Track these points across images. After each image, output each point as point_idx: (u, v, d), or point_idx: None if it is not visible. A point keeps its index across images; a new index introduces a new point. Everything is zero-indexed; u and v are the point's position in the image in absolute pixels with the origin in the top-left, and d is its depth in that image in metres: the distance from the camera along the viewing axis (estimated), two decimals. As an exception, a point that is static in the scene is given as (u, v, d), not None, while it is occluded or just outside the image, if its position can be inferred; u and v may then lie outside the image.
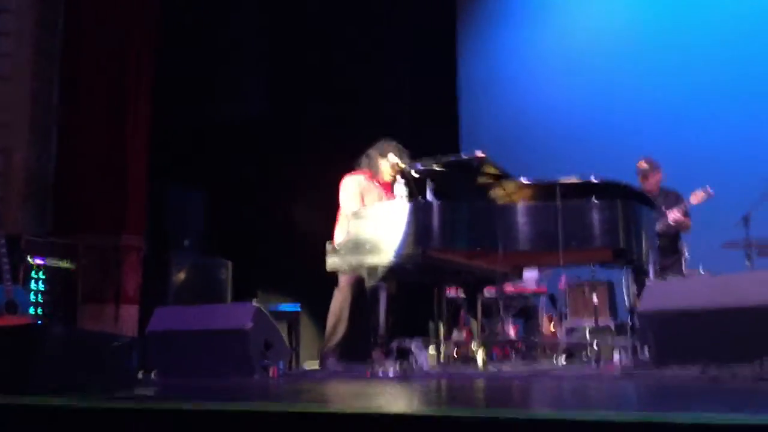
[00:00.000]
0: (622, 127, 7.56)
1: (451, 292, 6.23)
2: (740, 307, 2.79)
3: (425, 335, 5.30)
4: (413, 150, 5.09)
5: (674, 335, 3.01)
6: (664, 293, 3.15)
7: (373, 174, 4.97)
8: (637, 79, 7.64)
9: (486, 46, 8.83)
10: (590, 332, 5.95)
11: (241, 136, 6.79)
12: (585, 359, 5.32)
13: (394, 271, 4.25)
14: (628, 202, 4.38)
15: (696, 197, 5.61)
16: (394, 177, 4.66)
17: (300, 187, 6.93)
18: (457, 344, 6.28)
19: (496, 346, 5.98)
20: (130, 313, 5.32)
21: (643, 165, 5.85)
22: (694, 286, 3.21)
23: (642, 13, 7.92)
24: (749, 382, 2.46)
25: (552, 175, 4.51)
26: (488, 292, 6.26)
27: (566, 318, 7.11)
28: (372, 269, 4.25)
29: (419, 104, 7.94)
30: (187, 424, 1.91)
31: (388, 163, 4.88)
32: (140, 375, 4.67)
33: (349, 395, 2.53)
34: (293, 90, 7.22)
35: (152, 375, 3.97)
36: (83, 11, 5.69)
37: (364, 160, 5.01)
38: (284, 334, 5.67)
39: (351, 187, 4.89)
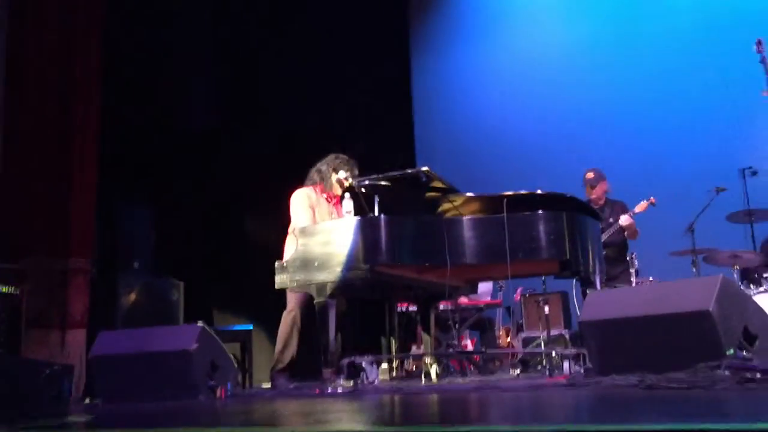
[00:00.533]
0: (571, 139, 7.71)
1: (408, 307, 6.25)
2: (674, 314, 2.84)
3: (379, 352, 5.29)
4: (367, 165, 5.10)
5: (614, 344, 3.05)
6: (605, 303, 3.20)
7: (324, 188, 4.96)
8: (585, 92, 7.81)
9: (439, 60, 8.93)
10: (544, 343, 6.02)
11: (191, 153, 6.73)
12: (539, 369, 5.37)
13: (342, 287, 4.24)
14: (573, 213, 4.43)
15: (640, 207, 5.79)
16: (342, 189, 4.68)
17: (252, 204, 6.89)
18: (414, 359, 6.30)
19: (453, 360, 5.98)
20: (77, 337, 5.19)
21: (590, 175, 5.97)
22: (632, 295, 3.26)
23: (590, 28, 8.10)
24: (684, 389, 2.49)
25: (505, 187, 4.56)
26: (444, 305, 6.29)
27: (522, 329, 7.19)
28: (320, 286, 4.23)
29: (373, 118, 7.96)
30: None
31: (337, 179, 4.89)
32: (86, 401, 4.61)
33: (293, 414, 2.50)
34: (243, 106, 7.19)
35: (97, 401, 3.89)
36: (27, 30, 5.58)
37: (315, 175, 5.00)
38: (237, 354, 5.63)
39: (301, 201, 4.87)
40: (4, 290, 4.93)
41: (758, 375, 2.52)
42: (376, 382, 4.29)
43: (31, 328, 5.05)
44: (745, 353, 2.78)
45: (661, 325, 2.88)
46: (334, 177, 4.92)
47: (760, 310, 3.02)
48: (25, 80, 5.52)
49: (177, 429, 2.03)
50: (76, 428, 2.23)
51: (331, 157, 5.01)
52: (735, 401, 2.03)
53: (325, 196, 4.97)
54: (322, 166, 4.99)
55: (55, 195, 5.35)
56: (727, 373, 2.58)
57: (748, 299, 3.06)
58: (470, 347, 6.81)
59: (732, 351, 2.75)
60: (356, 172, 4.89)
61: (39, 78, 5.52)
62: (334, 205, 5.00)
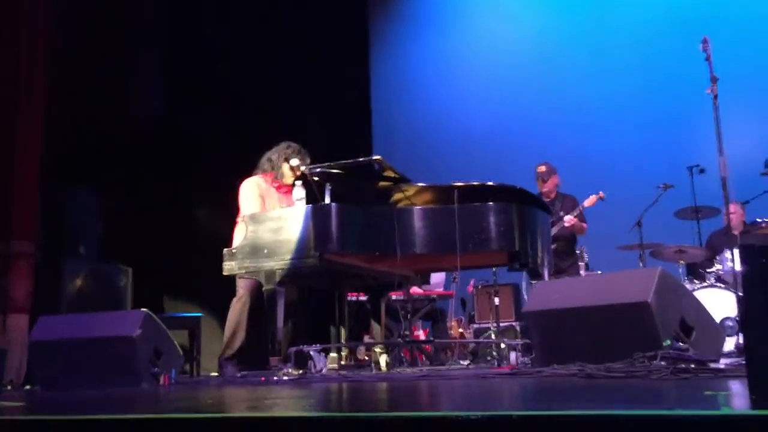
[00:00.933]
0: (524, 134, 7.83)
1: (359, 297, 6.25)
2: (614, 305, 2.89)
3: (329, 341, 5.27)
4: (324, 155, 5.06)
5: (556, 334, 3.10)
6: (548, 294, 3.24)
7: (275, 177, 4.92)
8: (538, 88, 7.92)
9: (398, 53, 8.94)
10: (495, 334, 6.08)
11: (140, 137, 6.60)
12: (489, 360, 5.43)
13: (292, 275, 4.22)
14: (523, 206, 4.48)
15: (589, 201, 5.89)
16: (294, 177, 4.66)
17: (201, 190, 6.79)
18: (367, 348, 6.30)
19: (405, 350, 6.00)
20: (19, 322, 5.06)
21: (541, 169, 6.04)
22: (575, 286, 3.30)
23: (542, 25, 8.22)
24: (621, 377, 2.54)
25: (460, 179, 4.58)
26: (397, 296, 6.30)
27: (474, 321, 7.25)
28: (269, 274, 4.21)
29: (330, 108, 7.92)
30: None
31: (290, 166, 4.85)
32: (26, 388, 4.51)
33: (234, 401, 2.47)
34: (192, 90, 7.07)
35: (35, 388, 3.80)
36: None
37: (266, 164, 4.95)
38: (186, 342, 5.56)
39: (250, 190, 4.82)
40: (-58, 273, 4.80)
41: (692, 365, 2.58)
42: (323, 370, 4.28)
43: (-29, 313, 4.93)
44: (681, 344, 2.85)
45: (602, 315, 2.93)
46: (285, 166, 4.88)
47: (698, 302, 3.09)
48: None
49: (110, 416, 1.99)
50: (5, 414, 2.17)
51: (283, 145, 4.97)
52: (668, 390, 2.07)
53: (275, 185, 4.92)
54: (273, 154, 4.95)
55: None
56: (663, 363, 2.63)
57: (686, 292, 3.13)
58: (422, 338, 6.84)
59: (669, 342, 2.80)
60: (308, 161, 4.86)
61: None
62: (284, 194, 4.96)
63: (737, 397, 1.64)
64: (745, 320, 1.33)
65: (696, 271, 6.03)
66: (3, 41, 5.40)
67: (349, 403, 2.14)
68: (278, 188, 4.94)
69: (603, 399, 1.85)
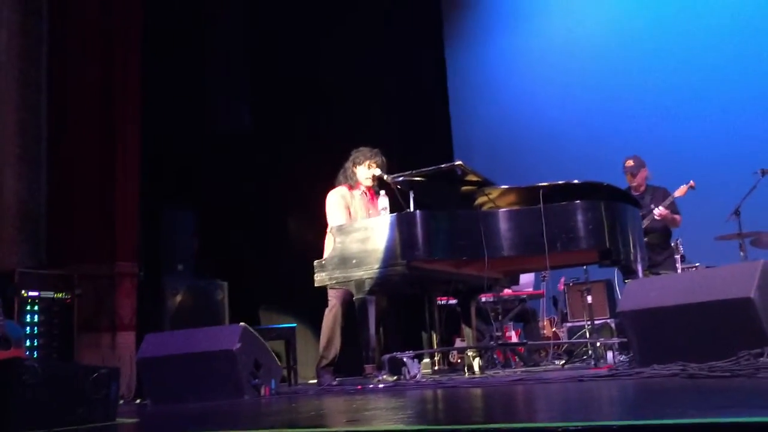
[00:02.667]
0: (611, 127, 7.62)
1: (449, 300, 6.25)
2: (714, 302, 2.80)
3: (421, 347, 5.31)
4: (404, 160, 5.11)
5: (654, 333, 3.02)
6: (643, 292, 3.15)
7: (352, 186, 4.99)
8: (623, 79, 7.70)
9: (474, 52, 8.89)
10: (589, 332, 5.96)
11: (230, 155, 6.82)
12: (585, 359, 5.33)
13: (381, 284, 4.27)
14: (611, 202, 4.38)
15: (680, 191, 5.71)
16: (374, 183, 4.73)
17: (290, 203, 6.96)
18: (459, 352, 6.29)
19: (498, 351, 5.96)
20: (126, 340, 5.34)
21: (630, 163, 5.89)
22: (671, 284, 3.20)
23: (624, 14, 7.98)
24: (725, 377, 2.46)
25: (544, 178, 4.54)
26: (486, 297, 6.27)
27: (567, 319, 7.13)
28: (359, 283, 4.28)
29: (409, 114, 7.97)
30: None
31: (365, 169, 4.92)
32: (137, 402, 4.75)
33: (334, 413, 2.53)
34: (277, 103, 7.24)
35: (146, 402, 4.01)
36: (68, 42, 5.74)
37: (341, 177, 5.04)
38: (282, 352, 5.71)
39: (336, 201, 4.92)
40: (56, 296, 5.11)
41: (803, 362, 2.46)
42: (417, 376, 4.31)
43: (83, 333, 5.22)
44: (789, 340, 2.72)
45: (702, 313, 2.83)
46: (358, 170, 4.95)
47: (806, 294, 2.94)
48: (68, 89, 5.67)
49: (220, 431, 2.08)
50: (124, 430, 2.31)
51: (353, 152, 5.05)
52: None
53: (359, 192, 5.00)
54: (347, 163, 5.03)
55: (101, 202, 5.49)
56: (770, 360, 2.53)
57: (792, 284, 2.98)
58: (514, 338, 6.78)
59: (776, 338, 2.69)
60: (381, 159, 4.91)
61: (81, 85, 5.66)
62: (369, 200, 5.02)
63: None
64: None
65: (802, 259, 5.74)
66: (99, 63, 5.69)
67: (446, 413, 2.16)
68: (363, 194, 5.01)
69: (709, 402, 1.80)
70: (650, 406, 1.87)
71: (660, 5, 7.73)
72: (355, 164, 4.95)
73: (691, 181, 5.68)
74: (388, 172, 4.73)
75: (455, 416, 2.02)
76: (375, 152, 4.96)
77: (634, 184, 5.87)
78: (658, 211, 5.63)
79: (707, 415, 1.40)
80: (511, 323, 7.11)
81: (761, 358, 2.56)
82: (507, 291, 6.51)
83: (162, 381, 3.90)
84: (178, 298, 5.81)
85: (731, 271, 2.91)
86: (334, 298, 4.82)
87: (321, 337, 4.85)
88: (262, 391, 3.83)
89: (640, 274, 4.51)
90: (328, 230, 4.87)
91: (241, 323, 3.91)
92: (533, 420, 1.57)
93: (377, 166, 4.86)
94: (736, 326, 2.74)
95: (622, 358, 4.68)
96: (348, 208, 4.91)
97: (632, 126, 7.48)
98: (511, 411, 2.02)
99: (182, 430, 2.08)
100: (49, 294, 5.05)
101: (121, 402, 4.85)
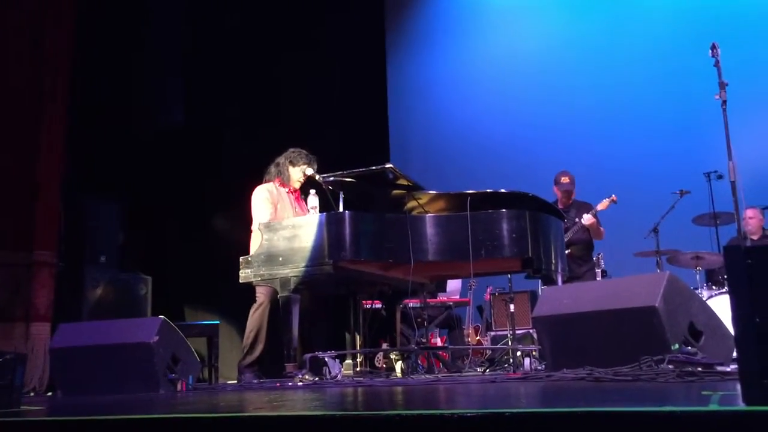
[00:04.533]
0: (539, 140, 7.85)
1: (376, 304, 6.29)
2: (622, 310, 2.91)
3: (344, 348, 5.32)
4: (340, 163, 5.12)
5: (565, 339, 3.11)
6: (557, 298, 3.26)
7: (283, 182, 4.99)
8: (554, 94, 7.94)
9: (415, 59, 9.00)
10: (511, 341, 6.09)
11: (159, 147, 6.71)
12: (506, 367, 5.44)
13: (306, 282, 4.27)
14: (536, 212, 4.50)
15: (602, 204, 5.92)
16: (303, 185, 4.73)
17: (220, 199, 6.88)
18: (384, 356, 6.33)
19: (422, 357, 6.02)
20: (41, 331, 5.16)
21: (564, 179, 6.05)
22: (583, 291, 3.32)
23: (561, 32, 8.23)
24: (628, 381, 2.55)
25: (476, 186, 4.63)
26: (414, 303, 6.33)
27: (492, 328, 7.27)
28: (284, 281, 4.27)
29: (347, 115, 7.99)
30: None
31: (299, 171, 4.93)
32: (49, 394, 4.61)
33: (248, 402, 2.52)
34: (210, 100, 7.17)
35: (56, 393, 3.89)
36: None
37: (273, 170, 5.04)
38: (203, 350, 5.63)
39: (262, 197, 4.90)
40: (-33, 283, 4.92)
41: (699, 369, 2.59)
42: (338, 376, 4.32)
43: (-5, 321, 5.04)
44: (690, 348, 2.85)
45: (611, 320, 2.94)
46: (291, 170, 4.97)
47: (707, 307, 3.10)
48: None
49: (128, 416, 2.05)
50: (26, 416, 2.25)
51: (289, 150, 5.06)
52: (671, 391, 2.09)
53: (286, 189, 5.00)
54: (280, 159, 5.04)
55: (19, 188, 5.31)
56: (670, 366, 2.64)
57: (695, 297, 3.14)
58: (440, 345, 6.86)
59: (677, 346, 2.82)
60: (315, 165, 4.94)
61: (5, 63, 5.47)
62: (295, 199, 5.03)
63: (734, 397, 1.66)
64: (735, 320, 1.36)
65: (715, 278, 6.01)
66: (25, 51, 5.52)
67: (357, 404, 2.18)
68: (289, 193, 5.02)
69: (607, 400, 1.87)
70: (551, 402, 1.94)
71: (591, 31, 8.03)
72: (291, 163, 4.96)
73: (613, 195, 5.90)
74: (319, 172, 4.75)
75: (371, 405, 2.04)
76: (313, 158, 4.99)
77: (562, 197, 6.03)
78: (587, 217, 5.81)
79: (600, 406, 1.46)
80: (437, 329, 7.20)
81: (662, 364, 2.67)
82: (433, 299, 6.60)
83: (74, 372, 3.80)
84: (99, 290, 5.66)
85: (639, 281, 3.03)
86: (262, 296, 4.79)
87: (246, 333, 4.81)
88: (179, 386, 3.77)
89: (560, 284, 4.64)
90: (254, 227, 4.86)
91: (161, 316, 3.84)
92: (432, 409, 1.61)
93: (309, 173, 4.89)
94: (641, 333, 2.86)
95: (540, 366, 4.81)
96: (275, 205, 4.90)
97: (560, 141, 7.73)
98: (418, 403, 2.05)
99: (84, 415, 2.04)
100: (-40, 280, 4.86)
101: (32, 394, 4.70)
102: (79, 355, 3.79)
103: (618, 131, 7.56)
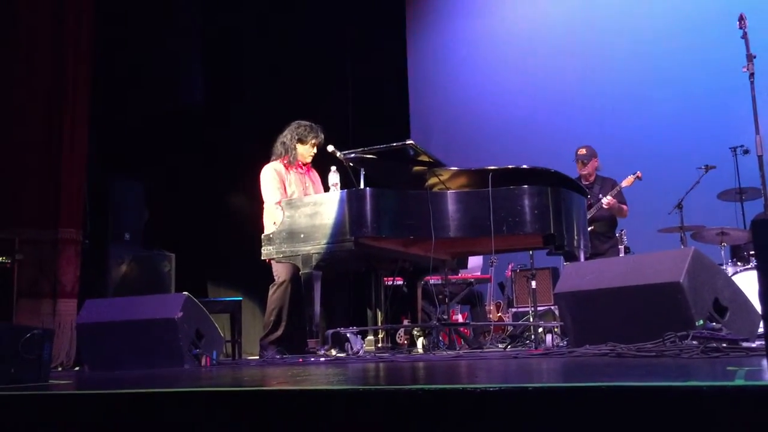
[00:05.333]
0: (563, 116, 7.74)
1: (398, 281, 6.31)
2: (646, 286, 2.88)
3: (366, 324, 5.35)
4: (360, 139, 5.10)
5: (588, 315, 3.10)
6: (580, 274, 3.24)
7: (291, 160, 4.97)
8: (579, 71, 7.82)
9: (435, 35, 8.91)
10: (533, 317, 6.08)
11: (182, 126, 6.74)
12: (527, 343, 5.44)
13: (327, 259, 4.29)
14: (558, 188, 4.46)
15: (627, 181, 5.86)
16: (325, 161, 4.74)
17: (243, 177, 6.90)
18: (406, 332, 6.36)
19: (443, 333, 6.04)
20: (68, 307, 5.25)
21: (582, 151, 6.00)
22: (606, 267, 3.29)
23: (584, 6, 8.08)
24: (652, 357, 2.54)
25: (497, 162, 4.59)
26: (435, 280, 6.34)
27: (513, 304, 7.26)
28: (306, 258, 4.29)
29: (367, 92, 7.95)
30: (94, 409, 1.92)
31: (309, 147, 4.92)
32: (76, 369, 4.70)
33: (272, 377, 2.54)
34: (234, 80, 7.18)
35: (83, 368, 3.96)
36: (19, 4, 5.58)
37: (279, 148, 5.01)
38: (226, 326, 5.69)
39: (270, 176, 4.91)
40: (-5, 260, 4.99)
41: (724, 345, 2.56)
42: (360, 352, 4.36)
43: (23, 298, 5.11)
44: (714, 324, 2.83)
45: (634, 296, 2.92)
46: (300, 147, 4.95)
47: (733, 283, 3.06)
48: (16, 49, 5.51)
49: (154, 390, 2.08)
50: (54, 390, 2.29)
51: (293, 125, 5.02)
52: (695, 367, 2.07)
53: (295, 167, 4.99)
54: (285, 137, 5.01)
55: (46, 166, 5.37)
56: (694, 342, 2.62)
57: (721, 273, 3.10)
58: (461, 321, 6.88)
59: (702, 322, 2.79)
60: (322, 136, 4.91)
61: (30, 44, 5.51)
62: (303, 174, 5.02)
63: (759, 372, 1.64)
64: (762, 295, 1.34)
65: (740, 254, 5.94)
66: (48, 29, 5.55)
67: (379, 378, 2.19)
68: (299, 168, 5.00)
69: (630, 375, 1.86)
70: (573, 377, 1.93)
71: (616, 2, 7.87)
72: (300, 141, 4.94)
73: (638, 172, 5.83)
74: (339, 149, 4.74)
75: (394, 380, 2.05)
76: (318, 128, 4.95)
77: (585, 173, 5.98)
78: (606, 200, 5.76)
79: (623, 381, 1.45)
80: (458, 306, 7.22)
81: (686, 340, 2.65)
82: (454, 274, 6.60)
83: (101, 347, 3.86)
84: (124, 267, 5.73)
85: (664, 257, 3.00)
86: (282, 274, 4.81)
87: (269, 310, 4.85)
88: (203, 361, 3.82)
89: (582, 260, 4.61)
90: (265, 206, 4.88)
91: (185, 292, 3.88)
92: (474, 383, 1.61)
93: (318, 144, 4.87)
94: (665, 310, 2.84)
95: (562, 342, 4.81)
96: (283, 183, 4.90)
97: (585, 116, 7.63)
98: (450, 376, 2.06)
99: (115, 389, 2.07)
100: (-11, 257, 4.93)
101: (60, 369, 4.80)
102: (105, 330, 3.85)
103: (643, 106, 7.43)
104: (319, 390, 1.66)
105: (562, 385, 1.39)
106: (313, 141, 4.90)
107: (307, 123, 4.96)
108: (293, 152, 4.93)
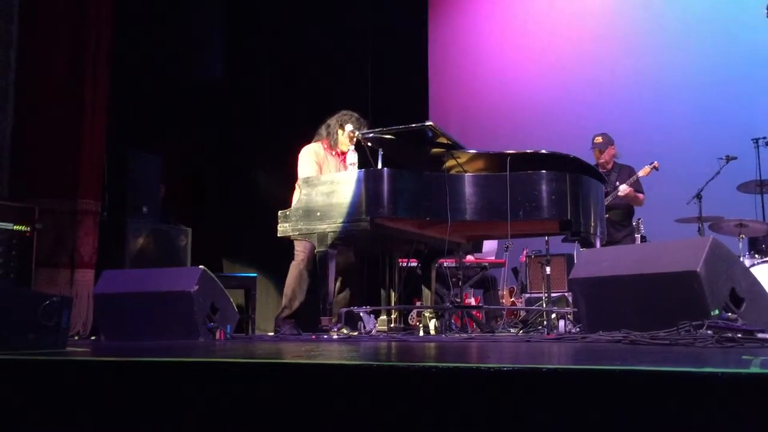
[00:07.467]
0: (583, 103, 7.68)
1: (412, 263, 6.32)
2: (662, 274, 2.87)
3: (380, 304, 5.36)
4: (379, 119, 5.10)
5: (603, 302, 3.09)
6: (595, 261, 3.23)
7: (332, 144, 5.00)
8: (599, 57, 7.75)
9: (456, 17, 8.84)
10: (546, 303, 6.08)
11: (202, 102, 6.76)
12: (539, 329, 5.45)
13: (343, 238, 4.30)
14: (576, 174, 4.44)
15: (643, 171, 5.83)
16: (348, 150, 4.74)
17: (261, 153, 6.93)
18: (418, 313, 6.38)
19: (455, 316, 6.06)
20: (85, 277, 5.31)
21: (599, 139, 5.97)
22: (622, 254, 3.28)
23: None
24: (666, 345, 2.54)
25: (515, 146, 4.57)
26: (449, 263, 6.34)
27: (526, 290, 7.25)
28: (322, 236, 4.30)
29: (387, 72, 7.93)
30: (111, 376, 1.95)
31: (346, 133, 4.92)
32: (92, 338, 4.76)
33: (282, 352, 2.57)
34: (254, 57, 7.18)
35: (99, 337, 4.02)
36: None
37: (323, 130, 5.05)
38: (241, 302, 5.74)
39: (308, 156, 4.93)
40: (15, 228, 5.05)
41: (739, 335, 2.55)
42: (373, 331, 4.38)
43: (41, 267, 5.17)
44: (730, 315, 2.81)
45: (650, 284, 2.91)
46: (341, 133, 4.96)
47: (750, 274, 3.04)
48: (38, 23, 5.54)
49: (169, 359, 2.10)
50: (71, 356, 2.32)
51: (341, 113, 5.04)
52: (709, 355, 2.07)
53: (333, 152, 5.01)
54: (331, 121, 5.04)
55: (67, 138, 5.41)
56: (709, 332, 2.61)
57: (738, 263, 3.08)
58: (474, 305, 6.88)
59: (717, 312, 2.78)
60: (364, 129, 4.92)
61: (52, 18, 5.54)
62: (342, 161, 5.03)
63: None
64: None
65: (758, 246, 5.89)
66: (69, 3, 5.57)
67: (391, 355, 2.21)
68: (336, 155, 5.02)
69: (643, 361, 1.86)
70: (583, 360, 1.93)
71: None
72: (342, 127, 4.95)
73: (655, 162, 5.80)
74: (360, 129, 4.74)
75: (405, 358, 2.06)
76: (363, 122, 4.97)
77: (602, 160, 5.95)
78: (623, 188, 5.74)
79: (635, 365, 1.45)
80: (472, 290, 7.22)
81: (700, 330, 2.64)
82: (469, 258, 6.59)
83: (117, 318, 3.91)
84: (141, 240, 5.78)
85: (681, 246, 2.99)
86: (302, 252, 4.84)
87: (286, 287, 4.88)
88: (218, 335, 3.86)
89: (598, 247, 4.59)
90: (297, 183, 4.89)
91: (201, 266, 3.92)
92: (486, 362, 1.62)
93: (352, 137, 4.87)
94: (681, 298, 2.82)
95: (575, 328, 4.80)
96: (319, 164, 4.92)
97: (604, 103, 7.57)
98: (462, 356, 2.07)
99: (130, 357, 2.10)
100: (8, 226, 4.98)
101: (77, 338, 4.86)
102: (122, 301, 3.90)
103: (663, 95, 7.36)
104: (333, 364, 1.67)
105: (575, 367, 1.39)
106: (351, 132, 4.89)
107: (355, 114, 4.99)
108: (335, 137, 4.95)
